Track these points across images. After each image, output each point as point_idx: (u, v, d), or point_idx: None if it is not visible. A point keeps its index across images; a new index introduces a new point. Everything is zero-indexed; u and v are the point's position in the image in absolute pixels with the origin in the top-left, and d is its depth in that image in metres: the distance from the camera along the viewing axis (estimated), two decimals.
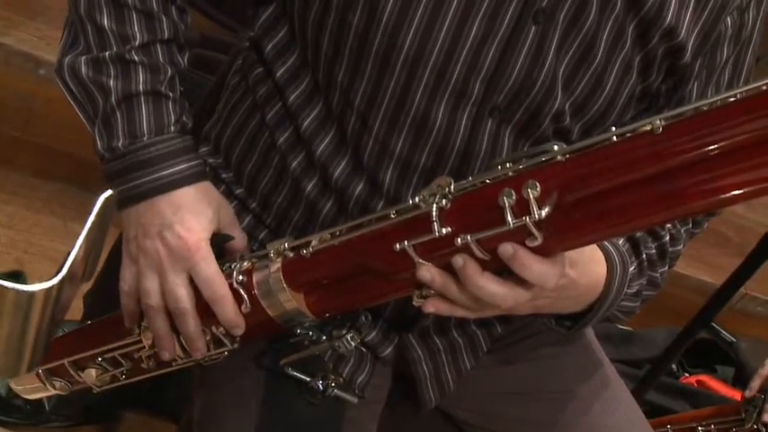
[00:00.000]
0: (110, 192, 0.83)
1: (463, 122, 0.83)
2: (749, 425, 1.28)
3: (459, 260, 0.70)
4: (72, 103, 0.87)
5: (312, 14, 0.83)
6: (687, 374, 1.98)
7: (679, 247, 0.94)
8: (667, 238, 0.91)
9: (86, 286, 1.10)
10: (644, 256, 0.88)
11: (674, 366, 1.93)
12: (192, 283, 0.82)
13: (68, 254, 0.74)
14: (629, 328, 1.98)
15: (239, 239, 0.88)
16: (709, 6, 0.83)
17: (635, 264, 0.87)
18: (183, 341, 0.85)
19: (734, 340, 1.85)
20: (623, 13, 0.81)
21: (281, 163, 0.89)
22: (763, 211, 1.42)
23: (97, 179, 0.86)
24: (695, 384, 1.94)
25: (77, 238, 0.75)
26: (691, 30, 0.83)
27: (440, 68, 0.80)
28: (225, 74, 0.98)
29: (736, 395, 1.73)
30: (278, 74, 0.87)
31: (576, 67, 0.82)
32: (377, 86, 0.82)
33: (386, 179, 0.85)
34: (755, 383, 1.28)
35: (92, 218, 0.77)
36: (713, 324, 1.78)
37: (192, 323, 0.82)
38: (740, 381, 1.83)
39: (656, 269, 0.91)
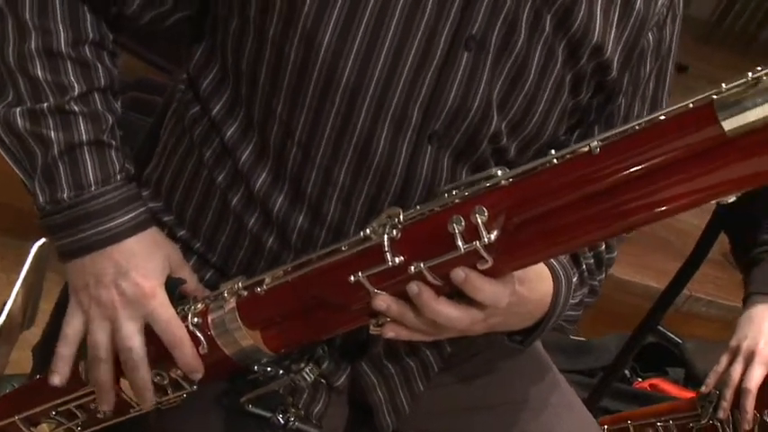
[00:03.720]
0: (44, 240, 0.83)
1: (404, 149, 0.84)
2: (704, 420, 1.31)
3: (413, 288, 0.72)
4: (5, 155, 0.85)
5: (247, 49, 0.83)
6: (640, 379, 2.01)
7: (613, 254, 0.98)
8: (603, 246, 0.94)
9: (34, 339, 1.08)
10: (584, 266, 0.92)
11: (627, 372, 1.96)
12: (146, 330, 0.82)
13: (4, 303, 0.73)
14: (582, 339, 2.01)
15: (191, 281, 0.88)
16: (630, 24, 0.87)
17: (577, 275, 0.90)
18: (132, 391, 0.84)
19: (680, 342, 1.89)
20: (552, 35, 0.84)
21: (222, 201, 0.89)
22: (702, 215, 1.47)
23: (36, 230, 0.85)
24: (648, 388, 1.97)
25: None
26: (616, 47, 0.87)
27: (379, 97, 0.81)
28: (162, 116, 0.98)
29: (687, 395, 1.76)
30: (213, 111, 0.88)
31: (509, 90, 0.85)
32: (318, 117, 0.83)
33: (329, 210, 0.86)
34: (711, 380, 1.32)
35: (27, 266, 0.77)
36: (659, 327, 1.82)
37: (143, 373, 0.82)
38: (690, 381, 1.87)
39: (595, 277, 0.95)
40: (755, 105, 0.61)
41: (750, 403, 1.23)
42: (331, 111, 0.82)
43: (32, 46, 0.82)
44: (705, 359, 1.49)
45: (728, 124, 0.62)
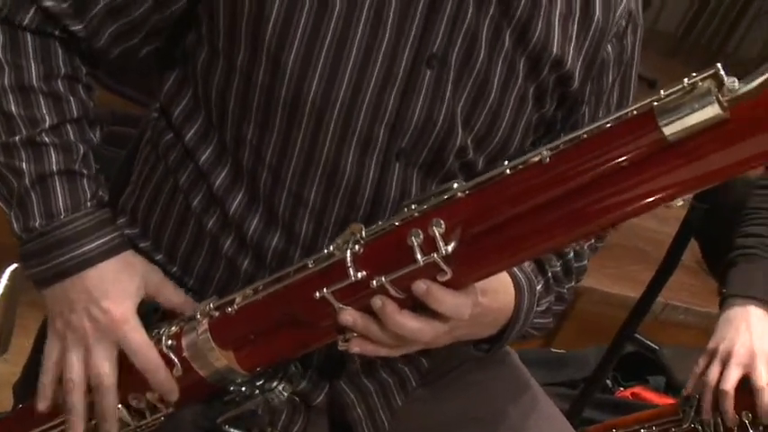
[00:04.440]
0: (16, 264, 0.84)
1: (372, 168, 0.86)
2: (686, 424, 1.33)
3: (377, 301, 0.74)
4: None
5: (216, 77, 0.86)
6: (622, 388, 2.03)
7: (584, 262, 0.99)
8: (571, 254, 0.96)
9: (14, 377, 1.10)
10: (549, 274, 0.93)
11: (608, 382, 1.97)
12: (120, 355, 0.84)
13: None
14: (563, 351, 2.03)
15: (176, 296, 0.89)
16: (589, 36, 0.89)
17: (542, 282, 0.91)
18: (98, 416, 0.85)
19: (657, 349, 1.91)
20: (512, 49, 0.86)
21: (198, 225, 0.91)
22: (675, 224, 1.50)
23: (9, 255, 0.86)
24: (630, 397, 1.99)
25: None
26: (576, 58, 0.89)
27: (345, 117, 0.84)
28: (136, 145, 1.00)
29: (668, 402, 1.78)
30: (187, 138, 0.90)
31: (473, 105, 0.87)
32: (286, 140, 0.85)
33: (302, 230, 0.88)
34: (690, 383, 1.34)
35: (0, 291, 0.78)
36: (637, 336, 1.84)
37: (110, 399, 0.84)
38: (670, 388, 1.89)
39: (563, 285, 0.96)
40: (693, 110, 0.64)
41: (729, 404, 1.24)
42: (298, 134, 0.84)
43: (5, 82, 0.85)
44: (682, 365, 1.51)
45: (668, 129, 0.65)
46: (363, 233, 0.76)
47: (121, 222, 0.94)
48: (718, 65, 0.64)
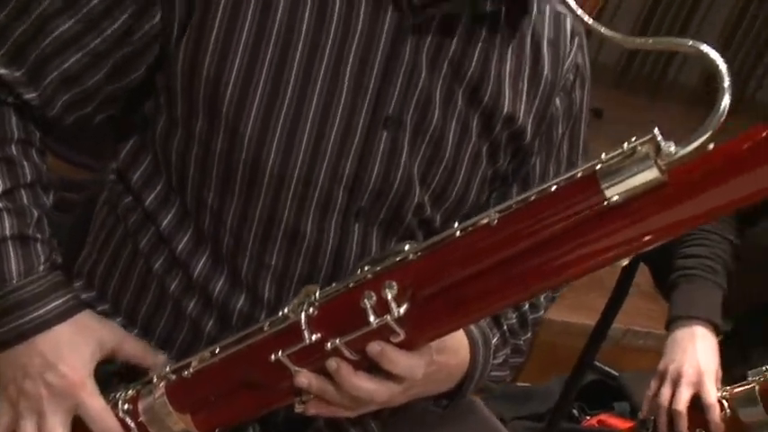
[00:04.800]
0: None
1: (332, 229, 0.87)
2: None
3: (332, 364, 0.74)
4: None
5: (175, 144, 0.86)
6: (588, 417, 2.05)
7: (539, 314, 1.01)
8: (527, 306, 0.98)
9: None
10: (505, 327, 0.95)
11: (575, 411, 1.99)
12: (74, 420, 0.83)
13: None
14: (528, 384, 2.04)
15: (139, 350, 0.88)
16: (539, 92, 0.91)
17: (497, 336, 0.93)
18: None
19: (617, 375, 1.94)
20: (465, 109, 0.88)
21: (160, 288, 0.91)
22: None
23: None
24: (597, 424, 2.00)
25: None
26: (527, 114, 0.91)
27: (304, 182, 0.85)
28: (89, 207, 1.00)
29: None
30: (147, 202, 0.90)
31: (429, 164, 0.88)
32: (246, 206, 0.86)
33: (265, 291, 0.89)
34: (645, 406, 1.37)
35: None
36: (596, 363, 1.87)
37: None
38: (635, 412, 1.91)
39: (519, 337, 0.97)
40: (633, 174, 0.66)
41: (683, 424, 1.28)
42: (258, 200, 0.85)
43: None
44: (642, 389, 1.53)
45: (610, 192, 0.67)
46: (318, 295, 0.77)
47: (78, 286, 0.93)
48: (656, 130, 0.66)
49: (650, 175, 0.65)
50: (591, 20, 0.73)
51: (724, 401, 1.28)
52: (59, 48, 0.82)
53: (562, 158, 0.97)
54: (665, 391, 1.30)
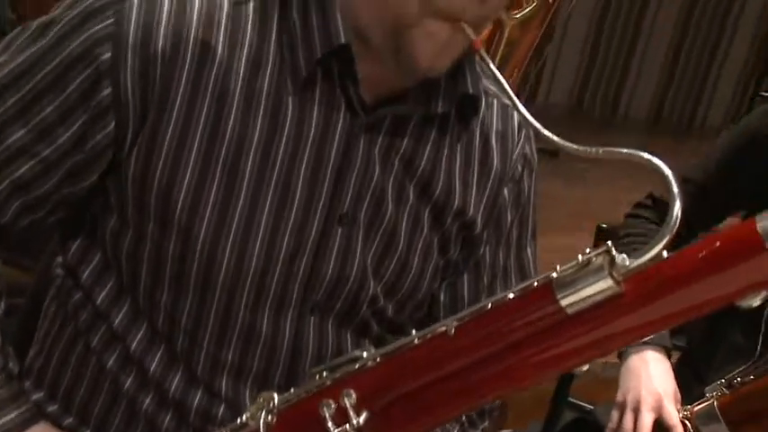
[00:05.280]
0: None
1: (288, 324, 0.87)
2: None
3: None
4: None
5: (125, 245, 0.85)
6: None
7: (497, 401, 1.00)
8: None
9: None
10: (464, 418, 0.94)
11: None
12: None
13: None
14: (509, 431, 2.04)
15: None
16: (489, 183, 0.93)
17: (456, 428, 0.93)
18: None
19: (592, 408, 1.94)
20: (417, 203, 0.89)
21: (114, 385, 0.89)
22: None
23: None
24: None
25: None
26: (478, 206, 0.92)
27: (258, 282, 0.84)
28: (35, 304, 0.98)
29: None
30: (98, 299, 0.88)
31: (382, 257, 0.89)
32: (201, 307, 0.85)
33: (222, 387, 0.88)
34: None
35: None
36: (571, 400, 1.87)
37: None
38: None
39: (478, 427, 0.98)
40: (588, 284, 0.66)
41: None
42: (213, 300, 0.84)
43: None
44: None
45: (566, 301, 0.66)
46: (276, 401, 0.75)
47: (27, 386, 0.91)
48: (609, 243, 0.66)
49: (604, 285, 0.65)
50: (543, 129, 0.74)
51: (686, 421, 1.29)
52: (11, 156, 0.82)
53: (512, 243, 0.98)
54: (627, 420, 1.30)
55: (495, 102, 0.93)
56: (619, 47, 4.92)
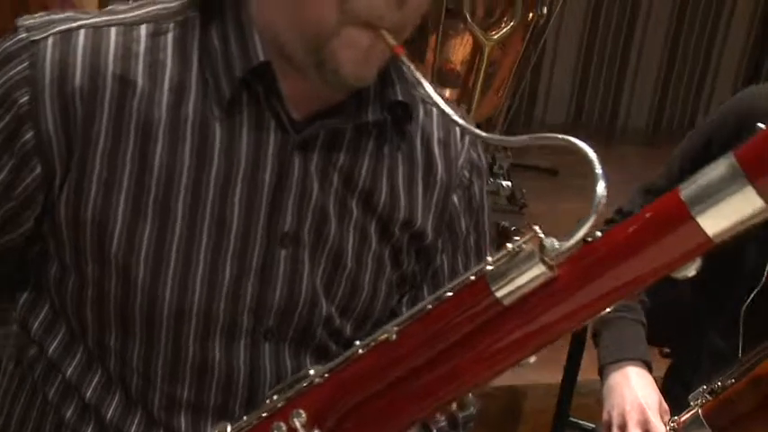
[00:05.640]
0: None
1: (241, 355, 0.85)
2: None
3: None
4: None
5: (69, 290, 0.84)
6: None
7: (470, 411, 0.96)
8: (454, 407, 0.95)
9: None
10: (434, 431, 0.92)
11: None
12: None
13: None
14: None
15: None
16: (435, 193, 0.91)
17: None
18: None
19: (593, 426, 1.91)
20: (362, 217, 0.87)
21: None
22: None
23: None
24: None
25: None
26: (426, 216, 0.91)
27: (204, 314, 0.83)
28: None
29: None
30: (50, 350, 0.87)
31: (331, 276, 0.87)
32: (150, 346, 0.84)
33: (182, 425, 0.86)
34: None
35: None
36: (572, 419, 1.84)
37: None
38: None
39: None
40: (521, 273, 0.65)
41: None
42: (161, 339, 0.83)
43: None
44: None
45: (501, 293, 0.66)
46: (229, 430, 0.75)
47: None
48: (536, 227, 0.65)
49: (537, 271, 0.64)
50: (468, 125, 0.73)
51: None
52: None
53: (470, 250, 0.97)
54: None
55: (435, 110, 0.92)
56: (611, 60, 4.92)
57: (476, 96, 2.53)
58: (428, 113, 0.91)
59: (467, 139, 0.93)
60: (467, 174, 0.93)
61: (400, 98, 0.85)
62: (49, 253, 0.84)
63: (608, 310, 0.66)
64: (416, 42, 2.49)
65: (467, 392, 0.71)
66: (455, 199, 0.92)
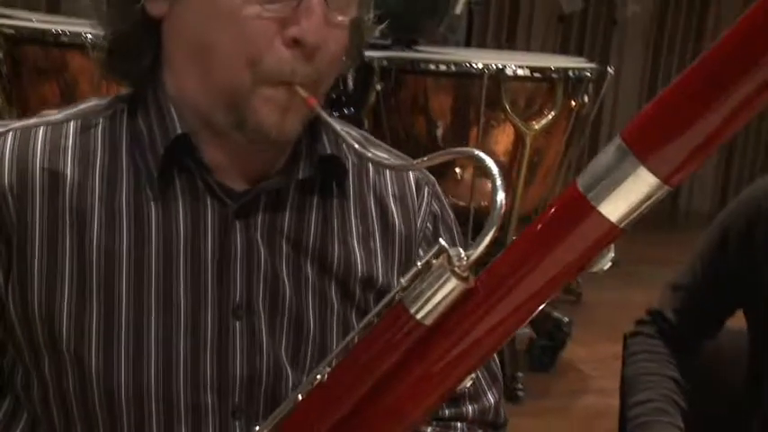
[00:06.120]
0: None
1: None
2: None
3: None
4: None
5: (35, 393, 0.84)
6: None
7: (470, 407, 0.94)
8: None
9: None
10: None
11: None
12: None
13: None
14: None
15: None
16: (396, 247, 0.89)
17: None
18: None
19: None
20: (318, 280, 0.85)
21: None
22: None
23: None
24: None
25: None
26: (388, 272, 0.88)
27: (164, 397, 0.81)
28: None
29: None
30: None
31: (296, 344, 0.84)
32: None
33: None
34: None
35: None
36: None
37: None
38: None
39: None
40: (436, 289, 0.63)
41: None
42: (124, 426, 0.81)
43: None
44: None
45: (421, 313, 0.64)
46: None
47: None
48: (441, 240, 0.64)
49: (452, 284, 0.63)
50: (364, 150, 0.74)
51: None
52: None
53: None
54: None
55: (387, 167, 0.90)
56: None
57: (519, 186, 2.51)
58: (379, 171, 0.91)
59: (425, 192, 0.92)
60: (430, 226, 0.91)
61: (328, 152, 0.85)
62: (12, 358, 0.85)
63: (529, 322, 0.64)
64: (458, 134, 2.51)
65: (417, 421, 0.68)
66: (421, 252, 0.90)
